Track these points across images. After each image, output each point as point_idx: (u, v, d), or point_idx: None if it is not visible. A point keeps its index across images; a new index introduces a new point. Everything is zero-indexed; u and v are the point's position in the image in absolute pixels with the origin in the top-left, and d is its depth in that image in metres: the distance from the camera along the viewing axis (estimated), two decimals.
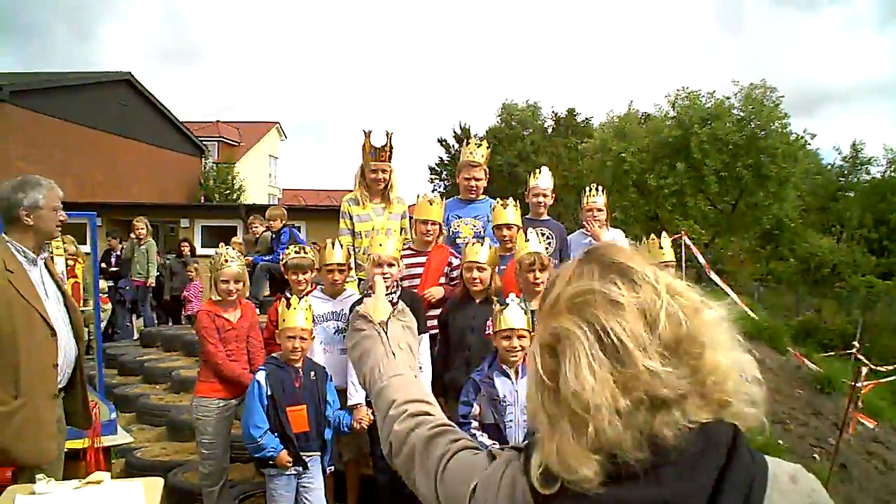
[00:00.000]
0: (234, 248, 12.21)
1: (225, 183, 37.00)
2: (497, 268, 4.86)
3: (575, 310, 1.07)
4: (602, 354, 1.02)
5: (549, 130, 37.21)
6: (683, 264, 9.59)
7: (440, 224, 5.27)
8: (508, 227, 5.22)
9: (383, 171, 5.47)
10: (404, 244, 5.31)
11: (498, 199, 5.52)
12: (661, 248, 4.98)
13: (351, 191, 5.61)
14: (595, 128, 30.91)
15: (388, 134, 5.45)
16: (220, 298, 4.83)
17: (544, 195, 5.90)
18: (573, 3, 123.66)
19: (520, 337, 4.01)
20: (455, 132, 38.53)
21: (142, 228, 11.38)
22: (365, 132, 5.47)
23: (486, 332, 4.56)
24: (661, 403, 1.02)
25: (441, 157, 38.60)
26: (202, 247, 20.36)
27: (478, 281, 4.60)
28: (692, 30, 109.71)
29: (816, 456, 6.52)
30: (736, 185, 23.29)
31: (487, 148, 5.89)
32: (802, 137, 23.13)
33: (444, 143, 38.92)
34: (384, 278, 4.49)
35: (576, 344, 1.04)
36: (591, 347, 1.03)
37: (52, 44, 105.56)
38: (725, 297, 7.03)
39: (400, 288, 4.67)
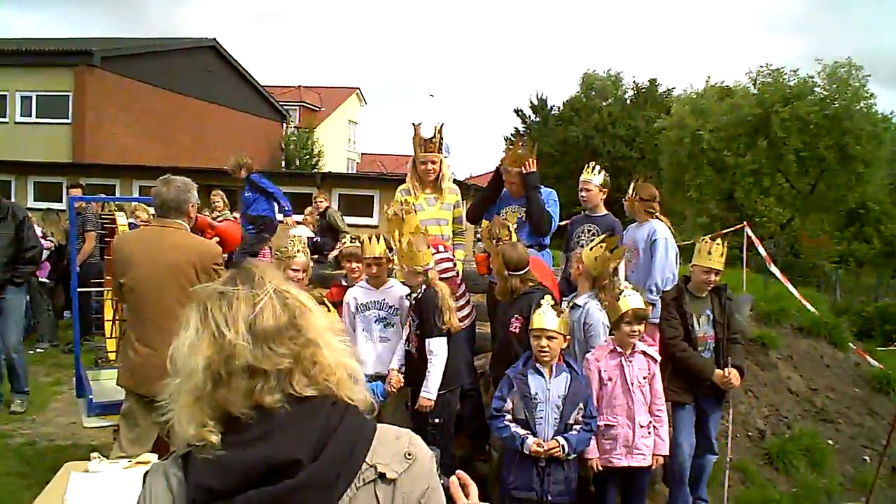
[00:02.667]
0: (306, 220, 12.50)
1: (305, 148, 37.74)
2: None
3: (198, 299, 1.39)
4: (204, 330, 1.33)
5: (629, 101, 36.44)
6: (745, 255, 9.42)
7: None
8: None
9: (433, 162, 5.62)
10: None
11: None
12: (710, 252, 4.95)
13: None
14: (677, 98, 30.13)
15: (436, 127, 5.60)
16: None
17: (588, 190, 5.89)
18: None
19: (549, 338, 4.13)
20: (532, 102, 38.26)
21: (218, 202, 11.63)
22: (414, 125, 5.62)
23: (510, 329, 4.68)
24: (261, 374, 1.32)
25: (517, 128, 38.40)
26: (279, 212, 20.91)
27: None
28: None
29: (867, 458, 6.42)
30: (816, 166, 22.50)
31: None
32: (889, 118, 22.21)
33: (520, 113, 38.66)
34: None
35: (189, 322, 1.36)
36: (196, 324, 1.35)
37: (141, 10, 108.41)
38: (785, 290, 6.93)
39: (422, 289, 4.74)
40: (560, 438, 4.03)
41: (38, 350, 9.07)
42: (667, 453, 4.46)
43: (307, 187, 21.52)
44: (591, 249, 4.84)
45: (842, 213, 25.33)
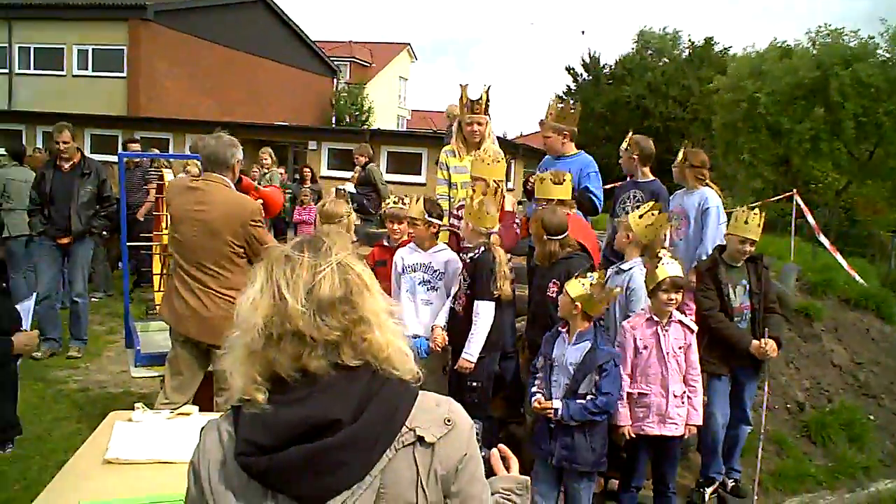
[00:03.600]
0: (354, 177, 12.59)
1: (355, 104, 37.78)
2: None
3: (267, 260, 1.46)
4: (267, 290, 1.40)
5: (683, 61, 35.50)
6: (794, 223, 9.25)
7: (487, 181, 5.10)
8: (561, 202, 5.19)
9: (479, 123, 5.64)
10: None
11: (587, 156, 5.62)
12: (746, 222, 4.87)
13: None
14: (734, 58, 29.29)
15: (485, 87, 5.58)
16: None
17: (619, 156, 5.90)
18: None
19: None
20: (583, 60, 37.57)
21: (266, 159, 11.77)
22: (461, 86, 5.62)
23: (547, 293, 4.71)
24: (309, 341, 1.38)
25: (568, 86, 37.79)
26: (328, 168, 21.10)
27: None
28: None
29: None
30: (875, 132, 21.78)
31: (566, 108, 5.83)
32: None
33: (572, 71, 38.03)
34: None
35: (255, 281, 1.43)
36: (262, 284, 1.42)
37: None
38: (834, 260, 6.79)
39: (479, 250, 4.75)
40: (556, 402, 4.07)
41: (94, 299, 9.38)
42: (700, 423, 4.44)
43: (356, 144, 21.62)
44: (640, 217, 4.75)
45: None
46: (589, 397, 4.06)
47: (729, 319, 4.86)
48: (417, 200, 5.05)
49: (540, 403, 4.12)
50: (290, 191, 13.46)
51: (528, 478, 1.76)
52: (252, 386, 1.39)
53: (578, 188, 5.45)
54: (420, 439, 1.41)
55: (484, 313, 4.70)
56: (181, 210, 4.28)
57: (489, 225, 4.72)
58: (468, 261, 4.80)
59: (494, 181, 5.10)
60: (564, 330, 4.24)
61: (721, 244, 5.10)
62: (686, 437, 4.46)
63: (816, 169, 22.89)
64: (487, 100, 5.65)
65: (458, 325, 4.84)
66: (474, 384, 4.78)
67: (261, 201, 4.64)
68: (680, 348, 4.36)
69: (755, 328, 4.87)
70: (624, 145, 5.84)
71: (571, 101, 5.85)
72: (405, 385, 1.46)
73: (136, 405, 3.48)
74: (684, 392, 4.36)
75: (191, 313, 4.22)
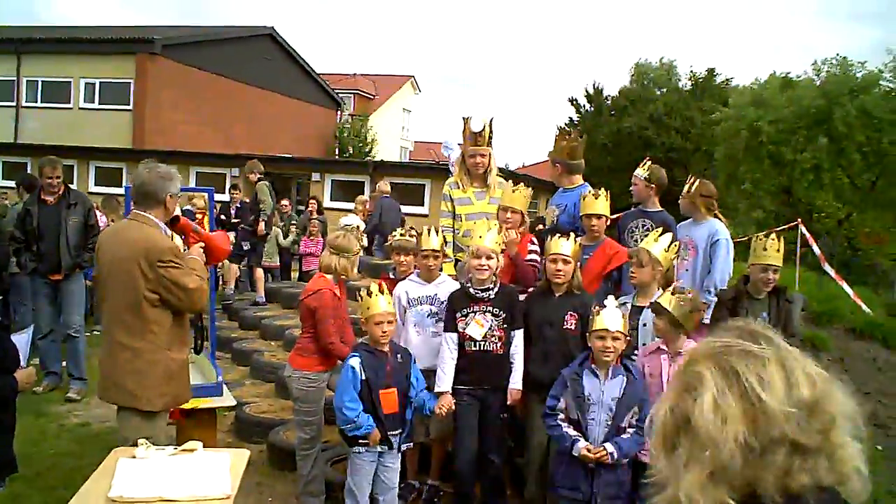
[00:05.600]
0: (357, 209, 12.56)
1: (359, 136, 37.99)
2: (580, 260, 4.91)
3: (711, 358, 1.22)
4: (735, 394, 1.15)
5: (685, 92, 35.73)
6: (798, 253, 9.24)
7: (522, 212, 5.29)
8: (598, 216, 5.27)
9: (482, 155, 5.61)
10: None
11: (590, 188, 5.56)
12: (765, 249, 4.85)
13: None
14: (736, 88, 29.47)
15: (485, 120, 5.60)
16: (336, 275, 5.09)
17: (635, 184, 5.91)
18: None
19: (614, 339, 4.09)
20: (587, 92, 37.79)
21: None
22: (464, 118, 5.63)
23: (565, 326, 4.67)
24: (800, 449, 1.14)
25: (571, 118, 37.97)
26: (332, 200, 21.15)
27: (561, 273, 4.64)
28: None
29: None
30: (878, 162, 21.84)
31: (570, 138, 5.86)
32: None
33: (574, 102, 38.24)
34: (482, 270, 4.69)
35: (708, 384, 1.18)
36: (723, 387, 1.17)
37: None
38: (839, 289, 6.78)
39: (498, 282, 4.78)
40: (609, 445, 3.99)
41: (95, 332, 9.36)
42: None
43: (360, 175, 21.72)
44: (666, 250, 4.73)
45: None
46: (630, 430, 4.03)
47: None
48: (430, 232, 5.04)
49: (590, 451, 4.00)
50: (295, 223, 13.49)
51: None
52: None
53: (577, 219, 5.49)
54: None
55: (522, 341, 4.73)
56: (102, 252, 3.98)
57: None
58: (490, 297, 4.73)
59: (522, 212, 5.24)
60: (593, 365, 4.18)
61: (745, 275, 5.07)
62: None
63: (818, 199, 22.88)
64: (490, 132, 5.64)
65: (493, 362, 4.72)
66: (504, 415, 4.77)
67: (202, 245, 4.33)
68: None
69: None
70: (643, 173, 5.84)
71: (570, 135, 5.85)
72: None
73: (140, 441, 3.46)
74: None
75: (101, 365, 4.00)
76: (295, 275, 12.80)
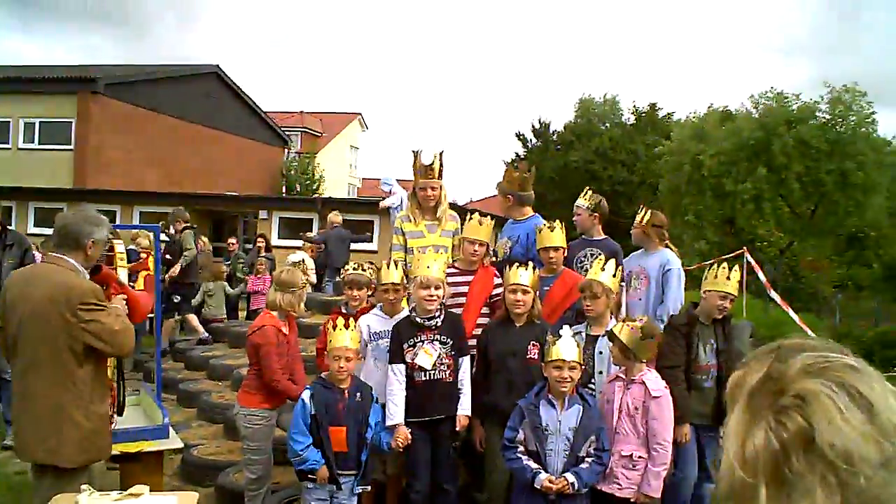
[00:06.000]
0: (306, 245, 12.44)
1: (306, 173, 37.86)
2: (539, 290, 4.90)
3: (815, 374, 1.07)
4: (856, 408, 1.03)
5: (629, 126, 36.56)
6: (744, 281, 9.41)
7: (487, 244, 5.33)
8: (556, 249, 5.28)
9: (433, 188, 5.59)
10: (451, 262, 5.43)
11: (544, 221, 5.57)
12: (728, 278, 4.91)
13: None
14: (677, 123, 30.27)
15: (436, 153, 5.59)
16: (282, 311, 5.03)
17: (578, 214, 5.99)
18: None
19: (571, 368, 4.09)
20: (534, 126, 38.35)
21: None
22: (414, 151, 5.62)
23: (528, 357, 4.65)
24: None
25: (517, 153, 38.45)
26: (279, 238, 20.95)
27: (521, 304, 4.63)
28: (782, 20, 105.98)
29: None
30: (817, 191, 22.55)
31: (519, 170, 5.89)
32: (891, 143, 22.32)
33: (521, 137, 38.76)
34: (430, 301, 4.65)
35: (826, 400, 1.04)
36: (844, 402, 1.04)
37: (146, 37, 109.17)
38: (785, 316, 6.90)
39: (444, 310, 4.76)
40: (570, 476, 3.97)
41: None
42: (656, 496, 4.21)
43: (308, 213, 21.58)
44: (614, 276, 4.71)
45: (841, 238, 25.34)
46: (589, 459, 4.02)
47: (696, 376, 4.86)
48: (388, 266, 4.98)
49: (552, 482, 3.97)
50: (242, 261, 13.35)
51: None
52: None
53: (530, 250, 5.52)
54: None
55: (468, 368, 4.73)
56: (13, 298, 3.73)
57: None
58: (435, 325, 4.69)
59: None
60: (550, 395, 4.15)
61: (695, 301, 5.13)
62: (634, 502, 4.23)
63: (760, 228, 23.45)
64: (441, 164, 5.64)
65: (444, 391, 4.67)
66: (455, 445, 4.71)
67: (124, 298, 4.11)
68: (636, 409, 4.24)
69: (721, 387, 4.86)
70: (585, 203, 5.91)
71: (520, 168, 5.88)
72: None
73: (83, 487, 3.32)
74: (641, 457, 4.21)
75: (13, 422, 3.82)
76: (243, 314, 12.60)
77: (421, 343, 4.66)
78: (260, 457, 4.90)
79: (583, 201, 5.98)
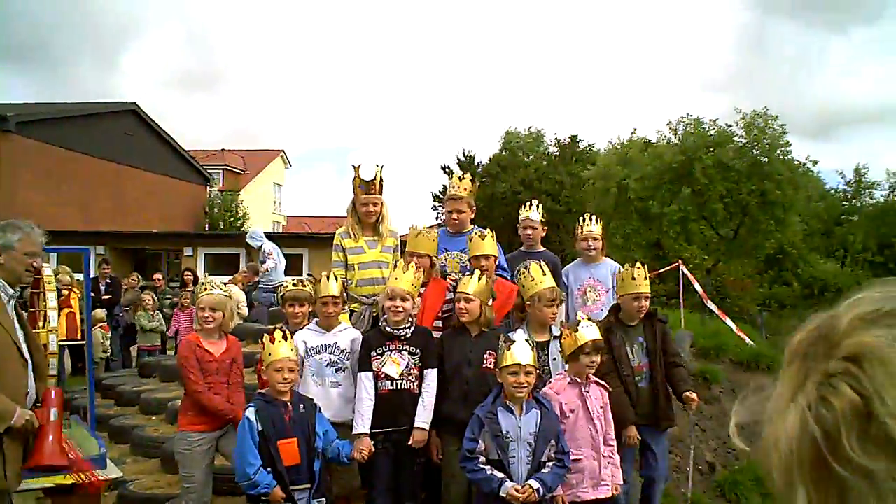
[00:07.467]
0: (236, 279, 12.23)
1: (230, 211, 37.24)
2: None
3: (871, 323, 0.81)
4: None
5: (553, 157, 37.24)
6: (681, 294, 9.56)
7: (431, 257, 5.27)
8: (486, 257, 5.24)
9: (374, 203, 5.49)
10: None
11: (476, 229, 5.55)
12: (633, 278, 4.98)
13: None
14: (599, 153, 30.96)
15: (377, 167, 5.49)
16: (200, 328, 4.89)
17: (533, 228, 5.97)
18: (577, 31, 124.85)
19: (527, 373, 4.03)
20: (459, 159, 38.66)
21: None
22: (354, 166, 5.50)
23: (483, 366, 4.57)
24: None
25: (444, 185, 38.63)
26: (205, 273, 20.46)
27: (464, 311, 4.61)
28: (696, 56, 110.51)
29: None
30: (739, 212, 23.29)
31: (472, 182, 5.89)
32: (804, 164, 23.25)
33: (447, 170, 39.00)
34: (397, 312, 4.56)
35: (890, 355, 0.77)
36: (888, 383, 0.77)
37: (63, 75, 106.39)
38: (721, 325, 7.02)
39: (413, 323, 4.70)
40: (534, 482, 3.90)
41: None
42: (621, 482, 4.36)
43: (234, 248, 21.19)
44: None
45: (760, 259, 26.16)
46: (550, 464, 3.95)
47: (631, 379, 4.86)
48: (328, 278, 4.86)
49: (518, 492, 3.87)
50: (169, 297, 13.02)
51: None
52: None
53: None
54: None
55: (434, 381, 4.61)
56: None
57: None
58: (406, 336, 4.64)
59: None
60: (507, 401, 4.07)
61: (615, 305, 5.18)
62: (614, 494, 4.32)
63: (686, 251, 24.02)
64: (381, 179, 5.55)
65: (410, 402, 4.58)
66: (420, 460, 4.58)
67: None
68: (601, 407, 4.29)
69: (656, 386, 4.87)
70: (539, 216, 5.93)
71: (459, 179, 5.89)
72: None
73: None
74: (610, 452, 4.27)
75: None
76: (171, 351, 12.18)
77: (389, 352, 4.59)
78: (191, 484, 4.65)
79: (535, 214, 5.99)
